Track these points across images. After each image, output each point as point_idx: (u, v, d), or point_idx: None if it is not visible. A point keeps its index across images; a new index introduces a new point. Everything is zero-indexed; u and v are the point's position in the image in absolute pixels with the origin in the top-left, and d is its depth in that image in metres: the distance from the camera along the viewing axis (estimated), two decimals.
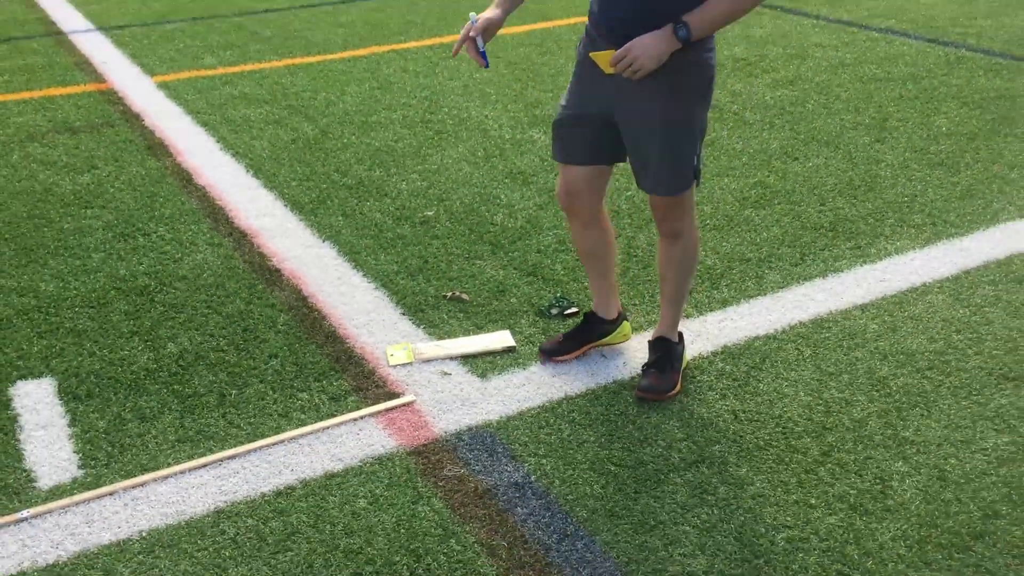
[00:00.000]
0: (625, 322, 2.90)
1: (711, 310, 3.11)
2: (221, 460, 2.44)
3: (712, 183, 4.10)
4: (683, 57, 2.29)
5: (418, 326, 3.04)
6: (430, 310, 3.13)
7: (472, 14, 2.44)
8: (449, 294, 3.21)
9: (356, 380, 2.76)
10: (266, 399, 2.68)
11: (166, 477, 2.38)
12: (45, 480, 2.39)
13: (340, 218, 3.85)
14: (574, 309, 3.09)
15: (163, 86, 5.65)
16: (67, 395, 2.73)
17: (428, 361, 2.83)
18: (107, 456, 2.47)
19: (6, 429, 2.58)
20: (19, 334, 3.05)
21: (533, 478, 2.34)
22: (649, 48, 2.23)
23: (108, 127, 4.95)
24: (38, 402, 2.71)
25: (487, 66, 2.48)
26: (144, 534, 2.20)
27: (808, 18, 6.87)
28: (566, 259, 3.44)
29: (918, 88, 5.24)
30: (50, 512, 2.27)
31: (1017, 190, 3.95)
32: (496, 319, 3.06)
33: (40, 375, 2.83)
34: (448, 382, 2.74)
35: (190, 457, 2.45)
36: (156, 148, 4.67)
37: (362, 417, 2.58)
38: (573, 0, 7.69)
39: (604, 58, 2.32)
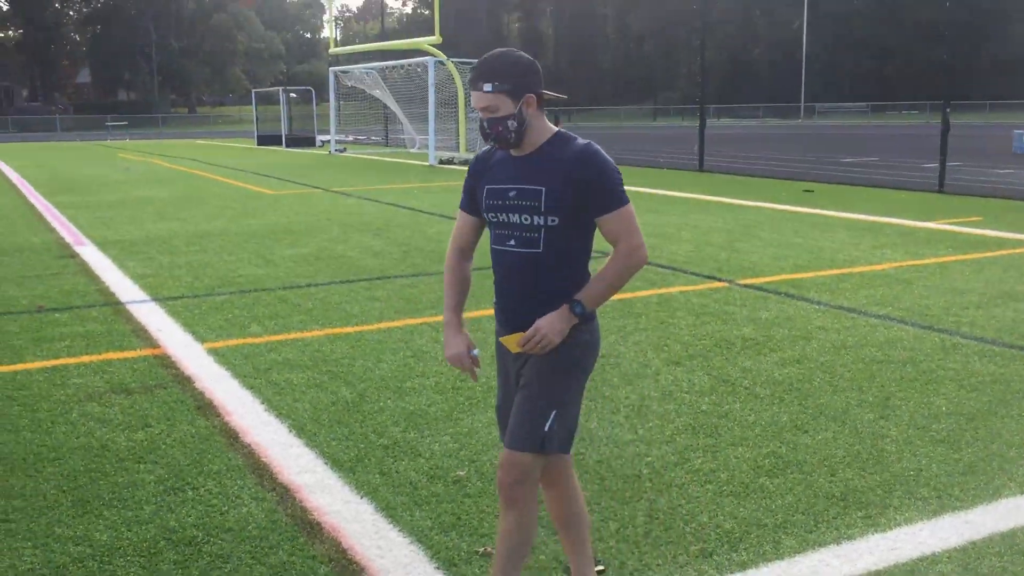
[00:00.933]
0: None
1: (731, 572, 3.27)
2: None
3: (728, 452, 4.36)
4: (577, 334, 2.72)
5: None
6: (463, 564, 3.31)
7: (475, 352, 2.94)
8: (481, 550, 3.40)
9: None
10: None
11: None
12: None
13: (377, 476, 4.10)
14: (600, 567, 3.26)
15: (212, 352, 6.10)
16: None
17: None
18: None
19: None
20: None
21: None
22: (553, 325, 2.66)
23: (161, 388, 5.33)
24: None
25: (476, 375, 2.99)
26: None
27: (811, 304, 7.40)
28: (592, 519, 3.63)
29: (917, 371, 5.61)
30: None
31: (1017, 467, 4.18)
32: (527, 573, 3.23)
33: None
34: None
35: None
36: (205, 408, 5.00)
37: None
38: None
39: (511, 340, 2.73)
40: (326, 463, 4.26)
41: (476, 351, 2.93)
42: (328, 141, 35.10)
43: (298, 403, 5.09)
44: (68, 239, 11.49)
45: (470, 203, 2.95)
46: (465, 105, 28.20)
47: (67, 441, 4.53)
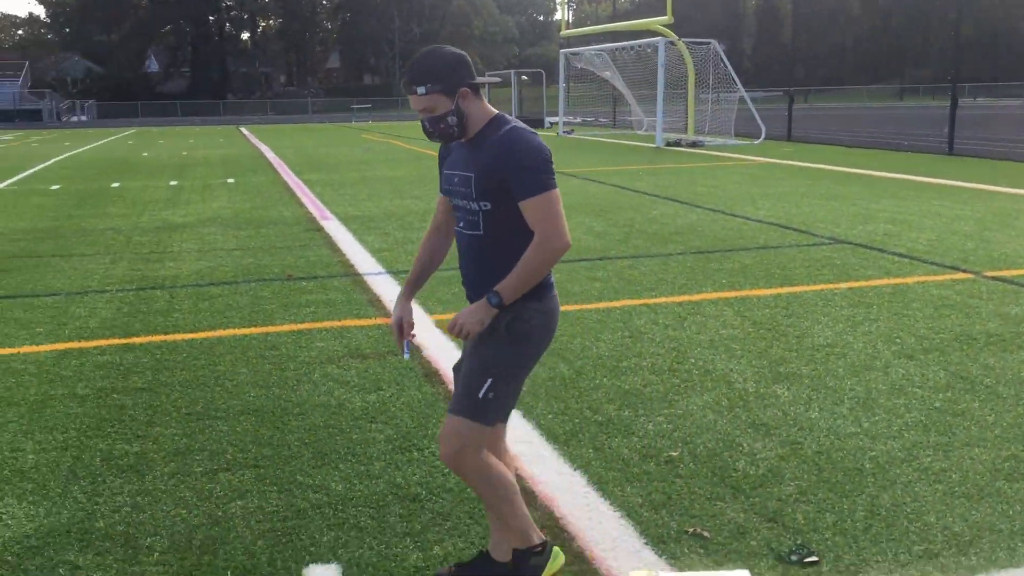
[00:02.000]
0: (555, 548, 3.15)
1: (957, 575, 3.09)
2: None
3: (962, 452, 4.09)
4: (527, 313, 2.80)
5: (660, 556, 3.24)
6: (672, 543, 3.33)
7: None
8: (691, 530, 3.40)
9: None
10: None
11: None
12: None
13: (591, 450, 4.19)
14: (814, 558, 3.18)
15: (440, 324, 6.41)
16: None
17: None
18: None
19: None
20: (312, 524, 3.54)
21: None
22: (471, 316, 2.76)
23: (392, 355, 5.67)
24: None
25: (407, 356, 3.09)
26: None
27: None
28: (807, 509, 3.55)
29: None
30: None
31: None
32: (735, 558, 3.21)
33: (328, 561, 3.26)
34: None
35: None
36: (431, 376, 5.28)
37: None
38: (817, 264, 8.00)
39: (443, 326, 2.78)
40: (542, 435, 4.40)
41: (413, 329, 3.07)
42: (556, 123, 35.59)
43: None
44: (315, 214, 12.39)
45: (441, 182, 3.07)
46: (696, 86, 27.73)
47: (309, 398, 4.93)
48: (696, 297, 7.10)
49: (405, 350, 3.05)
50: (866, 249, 8.91)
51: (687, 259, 8.60)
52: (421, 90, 2.73)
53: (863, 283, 7.38)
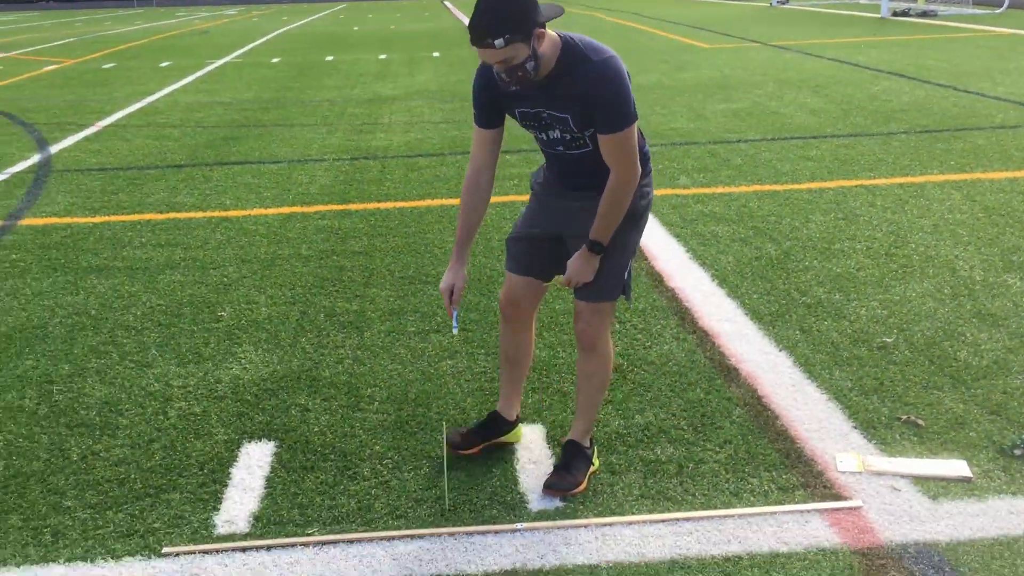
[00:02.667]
0: (520, 424, 3.24)
1: None
2: (677, 520, 2.75)
3: None
4: (640, 195, 2.79)
5: (869, 441, 3.15)
6: (882, 428, 3.23)
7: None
8: (904, 417, 3.28)
9: (804, 477, 2.94)
10: (719, 477, 2.97)
11: (630, 524, 2.75)
12: (534, 504, 2.87)
13: (797, 332, 4.08)
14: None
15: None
16: (551, 442, 3.24)
17: (878, 474, 2.93)
18: (582, 496, 2.90)
19: (507, 460, 3.14)
20: None
21: None
22: (584, 267, 2.79)
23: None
24: (532, 443, 3.25)
25: (455, 330, 3.08)
26: (610, 564, 2.57)
27: None
28: None
29: None
30: (536, 530, 2.74)
31: None
32: (952, 449, 3.08)
33: (534, 422, 3.39)
34: (897, 496, 2.82)
35: (650, 511, 2.80)
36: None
37: (809, 511, 2.76)
38: None
39: (557, 281, 2.92)
40: (746, 314, 4.32)
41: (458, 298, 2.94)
42: None
43: (722, 255, 5.16)
44: None
45: (486, 117, 2.84)
46: None
47: None
48: (919, 179, 6.64)
49: (454, 322, 3.03)
50: None
51: (911, 138, 8.02)
52: (499, 43, 2.47)
53: None
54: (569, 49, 2.64)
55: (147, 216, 6.32)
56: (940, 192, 6.27)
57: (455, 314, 3.00)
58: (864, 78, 11.94)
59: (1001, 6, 23.48)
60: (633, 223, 2.88)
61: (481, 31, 2.48)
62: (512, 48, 2.49)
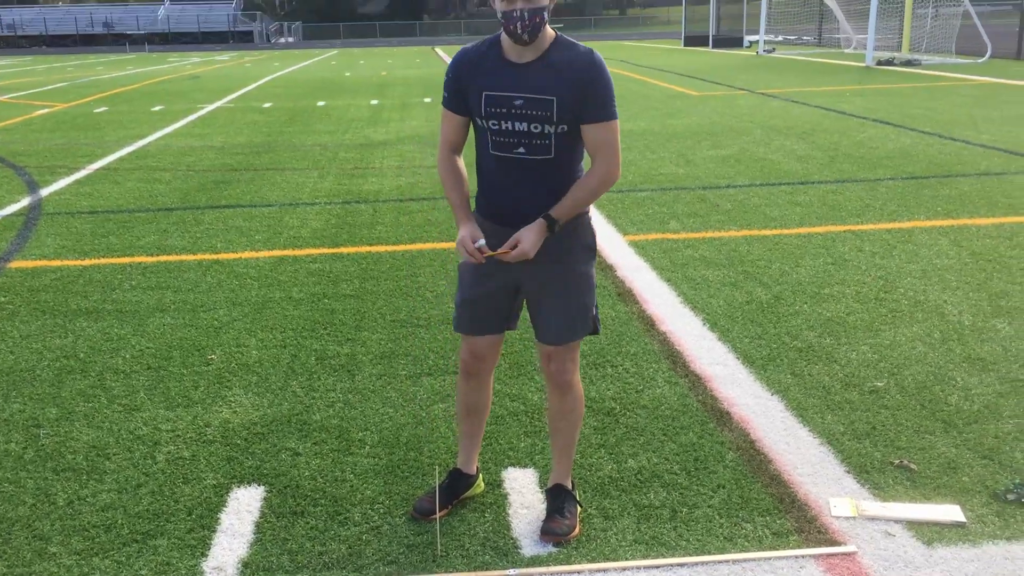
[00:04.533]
0: (480, 476, 3.21)
1: None
2: (672, 565, 2.73)
3: None
4: (571, 223, 2.76)
5: (862, 485, 3.14)
6: (875, 473, 3.22)
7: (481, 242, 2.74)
8: (897, 461, 3.27)
9: (798, 522, 2.93)
10: (713, 522, 2.95)
11: (624, 569, 2.72)
12: (527, 550, 2.85)
13: (789, 376, 4.09)
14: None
15: (633, 244, 6.38)
16: (543, 486, 3.21)
17: (872, 519, 2.92)
18: (576, 541, 2.88)
19: (499, 505, 3.12)
20: (510, 431, 3.66)
21: None
22: (535, 239, 2.68)
23: None
24: (524, 487, 3.23)
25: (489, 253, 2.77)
26: None
27: None
28: None
29: None
30: (531, 575, 2.71)
31: None
32: (945, 493, 3.07)
33: (526, 466, 3.37)
34: (891, 542, 2.81)
35: (644, 556, 2.78)
36: (625, 295, 5.28)
37: (804, 556, 2.74)
38: None
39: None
40: (738, 358, 4.32)
41: (482, 241, 2.73)
42: (756, 41, 34.06)
43: (713, 299, 5.18)
44: None
45: (456, 103, 2.80)
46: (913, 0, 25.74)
47: None
48: (907, 224, 6.70)
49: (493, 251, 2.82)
50: None
51: (897, 185, 8.11)
52: None
53: None
54: (564, 40, 2.74)
55: (137, 259, 6.31)
56: (928, 238, 6.32)
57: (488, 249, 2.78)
58: (850, 125, 12.09)
59: (983, 56, 23.88)
60: (592, 256, 2.92)
61: None
62: None
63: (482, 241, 2.73)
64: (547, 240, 2.73)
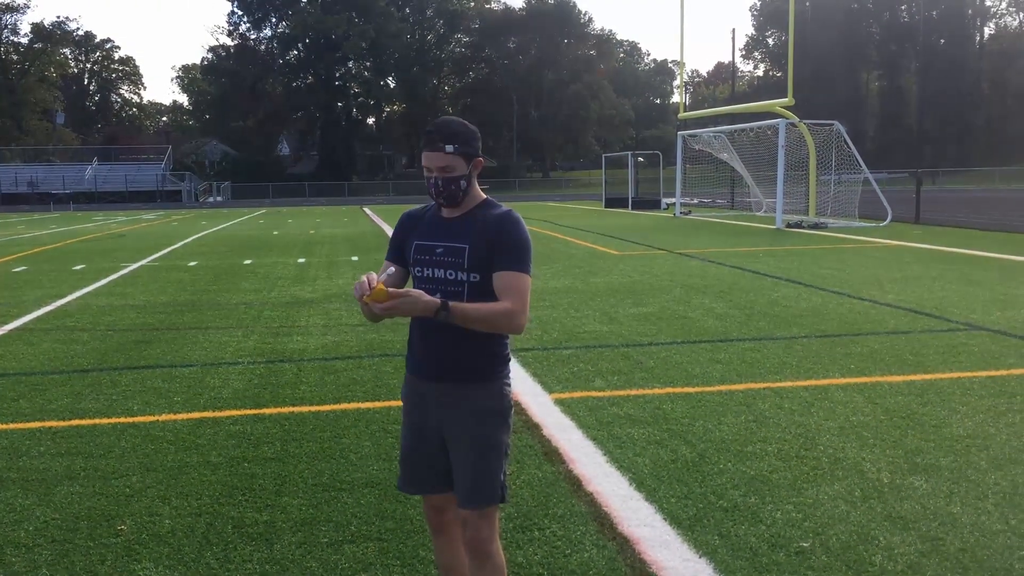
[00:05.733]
0: None
1: None
2: None
3: None
4: (485, 387, 2.88)
5: None
6: None
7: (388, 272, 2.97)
8: None
9: None
10: None
11: None
12: None
13: (716, 538, 4.07)
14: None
15: (559, 402, 6.40)
16: None
17: None
18: None
19: None
20: None
21: None
22: (417, 303, 2.69)
23: (512, 433, 5.67)
24: None
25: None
26: None
27: None
28: None
29: None
30: None
31: None
32: None
33: None
34: None
35: None
36: (552, 455, 5.26)
37: None
38: (953, 351, 7.67)
39: (380, 294, 2.66)
40: (665, 519, 4.30)
41: (385, 276, 2.92)
42: (673, 204, 35.56)
43: (639, 457, 5.19)
44: None
45: (395, 255, 3.07)
46: (817, 168, 27.33)
47: None
48: (823, 382, 6.88)
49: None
50: (1006, 336, 8.50)
51: (812, 343, 8.37)
52: (449, 148, 2.86)
53: (1004, 372, 7.03)
54: (490, 201, 3.02)
55: (48, 423, 6.08)
56: (843, 395, 6.50)
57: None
58: (764, 284, 12.55)
59: (884, 219, 25.29)
60: (502, 421, 2.96)
61: (436, 136, 2.86)
62: (455, 159, 2.87)
63: (385, 276, 2.91)
64: (461, 401, 2.87)
